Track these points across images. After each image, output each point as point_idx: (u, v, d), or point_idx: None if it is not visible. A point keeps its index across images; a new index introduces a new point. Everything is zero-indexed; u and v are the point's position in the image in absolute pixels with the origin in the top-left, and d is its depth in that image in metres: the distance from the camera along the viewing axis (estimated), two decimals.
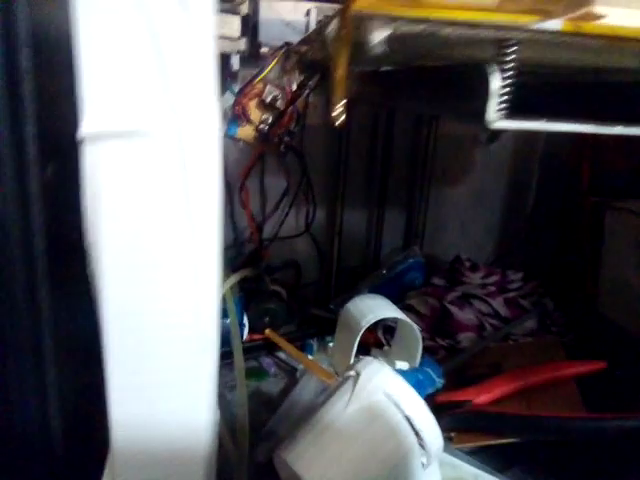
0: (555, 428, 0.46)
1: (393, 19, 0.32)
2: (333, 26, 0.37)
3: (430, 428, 0.42)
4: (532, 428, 0.47)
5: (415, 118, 0.88)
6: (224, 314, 0.66)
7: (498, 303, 0.80)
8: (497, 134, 0.33)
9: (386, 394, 0.41)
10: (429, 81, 0.46)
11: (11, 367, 0.31)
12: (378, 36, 0.33)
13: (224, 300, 0.64)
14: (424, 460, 0.43)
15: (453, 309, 0.77)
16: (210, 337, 0.26)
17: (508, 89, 0.33)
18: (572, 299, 0.82)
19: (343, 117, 0.36)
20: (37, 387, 0.32)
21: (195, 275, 0.25)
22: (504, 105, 0.34)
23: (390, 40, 0.33)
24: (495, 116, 0.34)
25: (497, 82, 0.33)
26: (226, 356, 0.63)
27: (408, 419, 0.41)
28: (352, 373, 0.44)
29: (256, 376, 0.68)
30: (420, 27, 0.32)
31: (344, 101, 0.36)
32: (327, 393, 0.46)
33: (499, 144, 0.91)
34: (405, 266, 0.85)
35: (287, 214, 0.86)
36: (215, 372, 0.28)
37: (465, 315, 0.76)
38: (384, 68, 0.61)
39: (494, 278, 0.83)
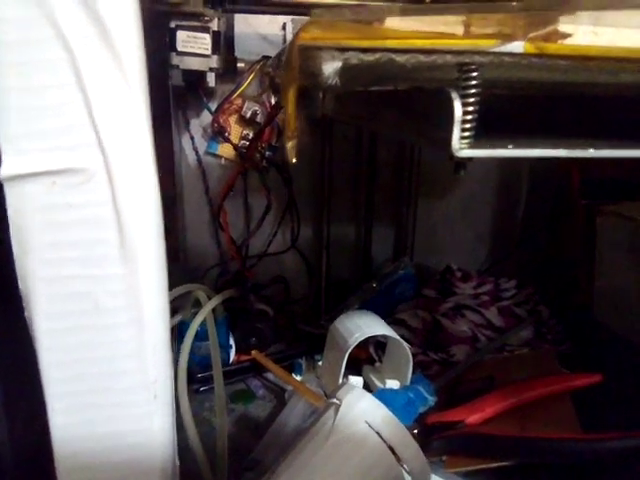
0: (550, 450, 0.44)
1: (343, 50, 0.30)
2: (285, 57, 0.36)
3: (416, 457, 0.40)
4: (526, 450, 0.45)
5: None
6: (206, 336, 0.64)
7: (492, 313, 0.78)
8: (463, 164, 0.32)
9: (368, 423, 0.39)
10: (397, 104, 0.44)
11: None
12: (328, 68, 0.31)
13: (205, 323, 0.62)
14: None
15: (445, 322, 0.75)
16: (161, 384, 0.24)
17: (472, 117, 0.32)
18: (567, 306, 0.80)
19: (294, 158, 0.34)
20: None
21: (138, 316, 0.23)
22: (468, 133, 0.32)
23: (343, 70, 0.31)
24: (460, 145, 0.32)
25: (459, 110, 0.31)
26: (212, 380, 0.62)
27: (392, 449, 0.39)
28: (335, 400, 0.42)
29: (243, 399, 0.66)
30: (373, 57, 0.31)
31: (294, 140, 0.34)
32: (311, 420, 0.44)
33: None
34: (395, 278, 0.84)
35: (273, 231, 0.84)
36: (170, 417, 0.26)
37: (458, 327, 0.75)
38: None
39: (487, 287, 0.81)
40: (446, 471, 0.47)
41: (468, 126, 0.32)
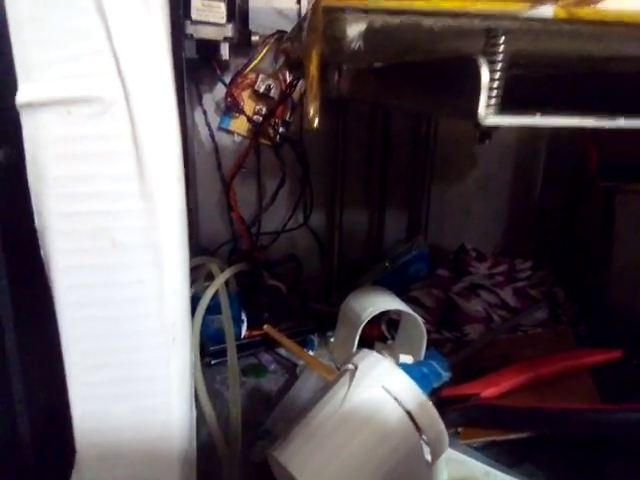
0: (568, 421, 0.43)
1: (367, 11, 0.29)
2: (307, 21, 0.34)
3: (433, 424, 0.39)
4: (543, 422, 0.45)
5: None
6: (219, 309, 0.64)
7: (506, 293, 0.76)
8: (489, 132, 0.31)
9: (385, 388, 0.38)
10: (419, 78, 0.43)
11: None
12: (352, 31, 0.30)
13: (217, 295, 0.62)
14: (429, 458, 0.40)
15: (459, 300, 0.74)
16: (179, 326, 0.24)
17: (498, 83, 0.31)
18: (583, 287, 0.79)
19: (317, 121, 0.33)
20: (3, 394, 0.30)
21: (157, 257, 0.23)
22: (495, 100, 0.31)
23: (367, 35, 0.30)
24: (486, 112, 0.31)
25: (486, 76, 0.30)
26: (223, 353, 0.61)
27: (409, 414, 0.38)
28: (350, 366, 0.42)
29: (255, 373, 0.66)
30: (398, 19, 0.29)
31: (316, 104, 0.33)
32: (324, 388, 0.44)
33: (503, 131, 0.87)
34: (409, 257, 0.83)
35: (286, 208, 0.84)
36: (187, 365, 0.25)
37: (472, 306, 0.74)
38: (376, 64, 0.58)
39: (502, 268, 0.80)
40: (461, 442, 0.47)
41: (495, 94, 0.31)
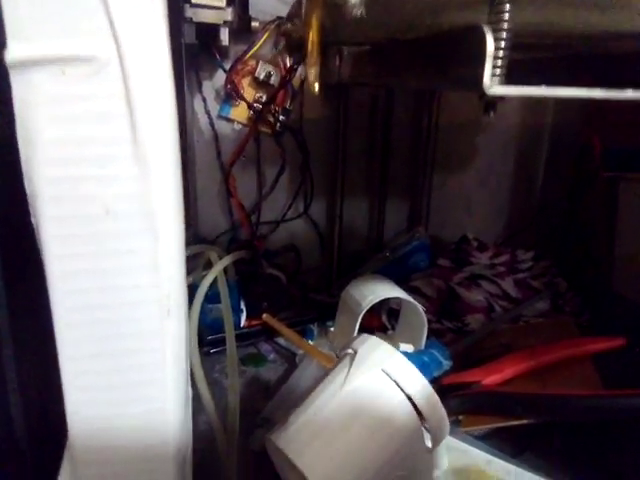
0: (570, 407, 0.42)
1: None
2: None
3: (435, 408, 0.38)
4: (545, 408, 0.44)
5: (415, 98, 0.84)
6: (217, 298, 0.63)
7: (508, 284, 0.76)
8: (494, 103, 0.31)
9: (385, 371, 0.38)
10: (422, 53, 0.42)
11: None
12: None
13: (216, 283, 0.61)
14: (429, 444, 0.40)
15: (460, 290, 0.73)
16: (174, 298, 0.23)
17: (504, 53, 0.30)
18: (586, 278, 0.78)
19: (317, 86, 0.32)
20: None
21: (151, 225, 0.22)
22: (500, 71, 0.30)
23: (368, 1, 0.30)
24: (491, 82, 0.30)
25: (491, 44, 0.30)
26: (222, 342, 0.61)
27: (410, 399, 0.37)
28: (349, 351, 0.41)
29: (254, 362, 0.66)
30: None
31: (316, 67, 0.32)
32: (324, 374, 0.43)
33: (506, 121, 0.87)
34: (409, 248, 0.82)
35: (286, 198, 0.83)
36: (183, 340, 0.25)
37: (473, 296, 0.73)
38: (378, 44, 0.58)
39: (503, 258, 0.79)
40: (462, 430, 0.46)
41: (500, 64, 0.30)
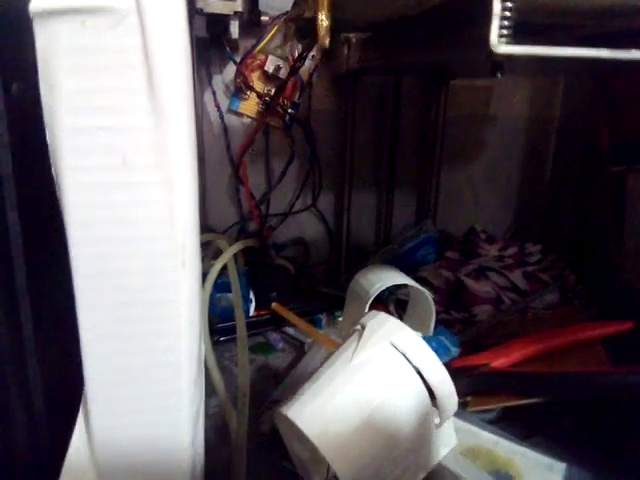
0: (579, 384, 0.42)
1: None
2: None
3: (443, 381, 0.38)
4: (554, 386, 0.44)
5: (423, 92, 0.84)
6: (227, 287, 0.64)
7: (516, 276, 0.76)
8: (501, 64, 0.31)
9: (393, 344, 0.38)
10: (431, 25, 0.43)
11: None
12: None
13: (225, 272, 0.62)
14: (437, 420, 0.40)
15: (468, 281, 0.73)
16: (188, 249, 0.24)
17: (511, 13, 0.31)
18: (594, 271, 0.78)
19: (327, 40, 0.33)
20: (19, 378, 0.30)
21: (168, 177, 0.23)
22: (507, 31, 0.31)
23: None
24: (499, 41, 0.31)
25: (498, 3, 0.30)
26: (231, 331, 0.61)
27: (418, 371, 0.38)
28: (358, 327, 0.41)
29: (263, 351, 0.66)
30: None
31: (328, 22, 0.33)
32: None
33: (513, 114, 0.87)
34: (418, 241, 0.82)
35: (294, 190, 0.84)
36: (196, 293, 0.25)
37: (481, 288, 0.73)
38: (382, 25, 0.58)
39: (511, 251, 0.79)
40: (469, 410, 0.46)
41: (507, 24, 0.31)
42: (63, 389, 0.31)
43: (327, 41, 0.33)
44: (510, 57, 0.31)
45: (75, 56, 0.21)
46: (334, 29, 0.42)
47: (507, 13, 0.30)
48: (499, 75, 0.32)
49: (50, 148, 0.22)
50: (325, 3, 0.32)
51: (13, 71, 0.26)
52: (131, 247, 0.23)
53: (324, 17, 0.32)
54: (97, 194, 0.23)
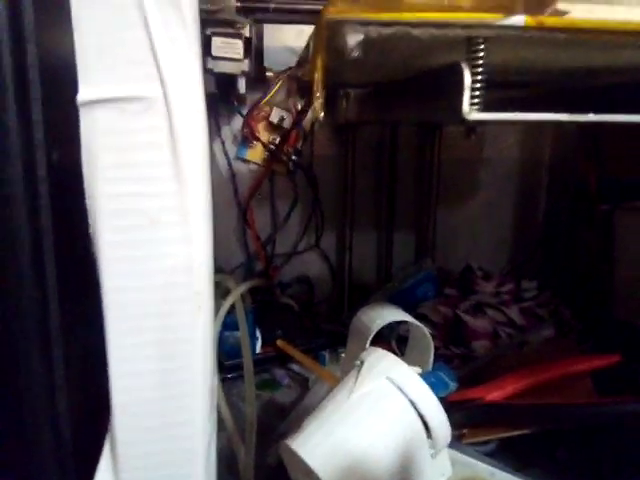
0: (568, 414, 0.45)
1: (365, 24, 0.34)
2: (313, 35, 0.40)
3: (436, 414, 0.41)
4: (545, 416, 0.46)
5: (418, 136, 0.89)
6: (234, 326, 0.67)
7: (513, 311, 0.78)
8: (473, 128, 0.36)
9: (389, 379, 0.41)
10: (414, 90, 0.48)
11: (20, 364, 0.32)
12: (352, 40, 0.35)
13: (233, 310, 0.65)
14: (432, 450, 0.42)
15: (467, 317, 0.76)
16: (205, 297, 0.27)
17: (480, 85, 0.36)
18: (588, 305, 0.81)
19: (322, 113, 0.38)
20: (45, 382, 0.33)
21: (187, 233, 0.26)
22: (478, 100, 0.36)
23: (365, 45, 0.35)
24: (470, 109, 0.35)
25: (468, 77, 0.35)
26: (239, 368, 0.64)
27: (413, 404, 0.41)
28: (357, 363, 0.44)
29: (269, 388, 0.68)
30: (390, 30, 0.34)
31: (321, 101, 0.38)
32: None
33: (505, 156, 0.92)
34: (417, 279, 0.85)
35: (298, 231, 0.88)
36: (210, 332, 0.29)
37: (479, 323, 0.76)
38: (377, 84, 0.63)
39: (508, 287, 0.82)
40: (465, 442, 0.48)
41: (477, 93, 0.35)
42: (89, 418, 0.34)
43: (321, 115, 0.37)
44: (481, 123, 0.35)
45: (112, 136, 0.26)
46: (333, 85, 0.47)
47: (477, 85, 0.35)
48: (473, 137, 0.37)
49: (89, 212, 0.26)
50: (320, 80, 0.36)
51: (53, 142, 0.31)
52: (155, 294, 0.27)
53: (319, 93, 0.36)
54: (127, 249, 0.27)
